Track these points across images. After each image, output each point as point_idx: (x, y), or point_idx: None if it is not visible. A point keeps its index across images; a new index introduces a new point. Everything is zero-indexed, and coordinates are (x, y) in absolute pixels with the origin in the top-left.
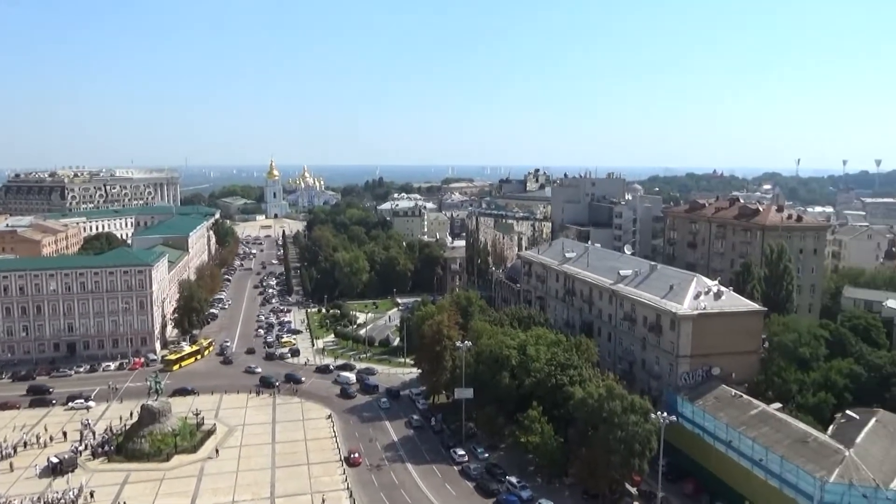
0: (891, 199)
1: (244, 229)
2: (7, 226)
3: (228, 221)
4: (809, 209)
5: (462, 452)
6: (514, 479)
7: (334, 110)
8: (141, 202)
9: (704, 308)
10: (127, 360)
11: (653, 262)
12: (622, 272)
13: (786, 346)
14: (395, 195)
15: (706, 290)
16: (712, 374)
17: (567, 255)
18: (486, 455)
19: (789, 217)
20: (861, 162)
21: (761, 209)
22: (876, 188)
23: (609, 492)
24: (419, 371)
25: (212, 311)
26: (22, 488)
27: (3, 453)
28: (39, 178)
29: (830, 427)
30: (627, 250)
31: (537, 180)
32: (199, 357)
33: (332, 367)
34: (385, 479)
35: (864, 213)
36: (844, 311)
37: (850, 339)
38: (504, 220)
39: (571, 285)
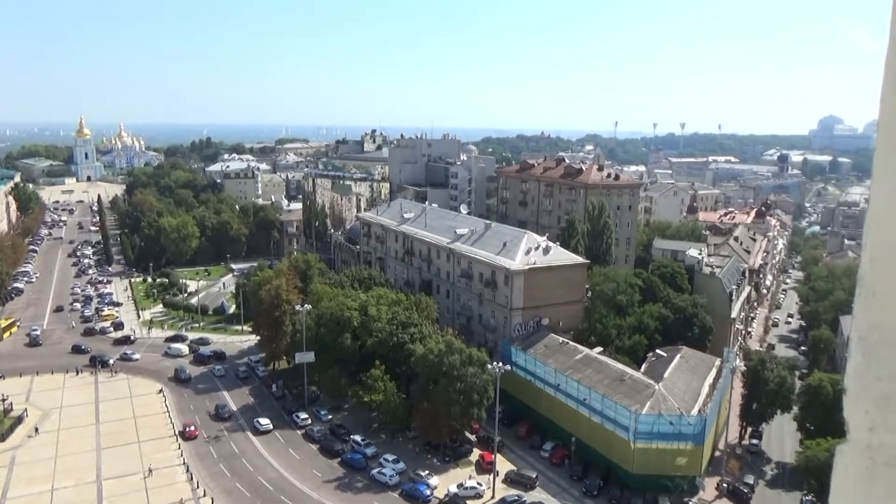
0: (692, 159)
1: (51, 194)
2: None
3: (31, 185)
4: (626, 168)
5: (305, 416)
6: (358, 438)
7: (155, 64)
8: None
9: (534, 263)
10: None
11: (487, 221)
12: (459, 231)
13: (606, 295)
14: (226, 156)
15: (536, 245)
16: (542, 324)
17: (405, 215)
18: (330, 417)
19: (608, 176)
20: (669, 125)
21: (584, 169)
22: (681, 149)
23: (450, 441)
24: (258, 338)
25: (16, 285)
26: None
27: None
28: None
29: (643, 365)
30: (463, 210)
31: (374, 141)
32: None
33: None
34: (225, 449)
35: (670, 172)
36: (655, 260)
37: (659, 285)
38: (342, 182)
39: (410, 245)
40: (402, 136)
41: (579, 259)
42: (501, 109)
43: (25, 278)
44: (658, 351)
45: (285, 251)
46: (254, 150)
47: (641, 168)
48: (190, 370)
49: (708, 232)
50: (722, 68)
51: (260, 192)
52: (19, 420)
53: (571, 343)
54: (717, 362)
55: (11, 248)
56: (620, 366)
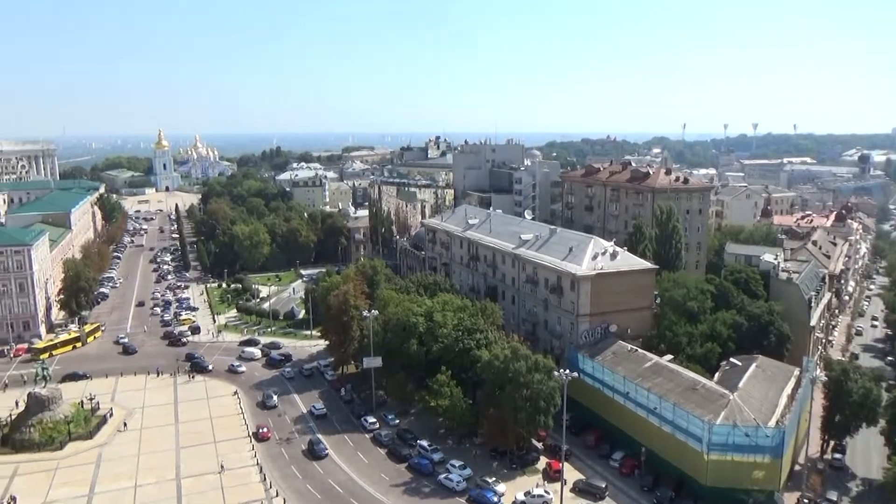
0: (766, 161)
1: (133, 203)
2: None
3: (115, 196)
4: (695, 171)
5: (373, 420)
6: (424, 443)
7: (226, 76)
8: (13, 176)
9: (601, 268)
10: (9, 347)
11: (552, 226)
12: (523, 236)
13: (676, 301)
14: (294, 165)
15: (602, 251)
16: (610, 330)
17: (470, 221)
18: (397, 421)
19: (677, 179)
20: (740, 126)
21: (651, 172)
22: (753, 150)
23: (516, 448)
24: (326, 342)
25: (101, 290)
26: None
27: None
28: None
29: (716, 374)
30: (528, 215)
31: (438, 147)
32: (77, 345)
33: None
34: (296, 451)
35: (742, 174)
36: (727, 266)
37: (732, 291)
38: (407, 188)
39: (475, 251)
40: (465, 142)
41: (647, 264)
42: (566, 113)
43: (110, 284)
44: (732, 360)
45: (352, 257)
46: (321, 159)
47: (712, 171)
48: (273, 393)
49: (784, 236)
50: (797, 65)
51: (327, 199)
52: (105, 419)
53: (640, 350)
54: (796, 372)
55: (98, 255)
56: (692, 374)
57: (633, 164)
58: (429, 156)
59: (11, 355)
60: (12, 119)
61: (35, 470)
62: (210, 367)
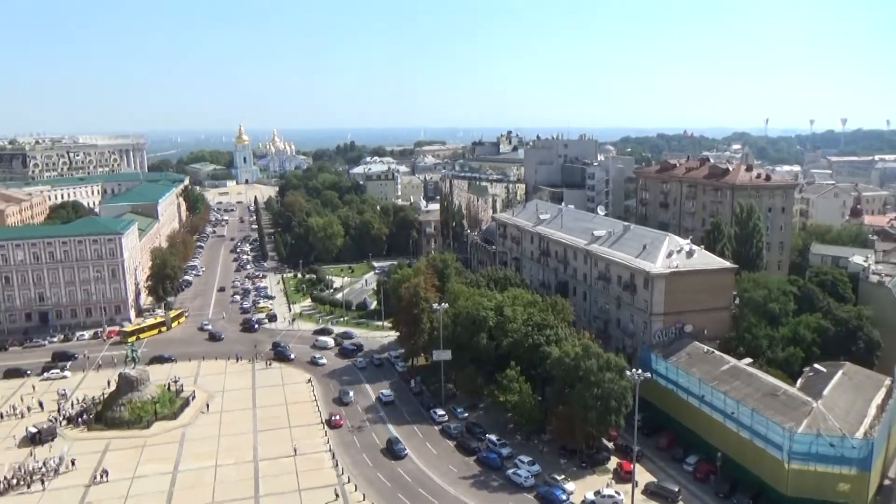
0: (855, 158)
1: (214, 195)
2: None
3: (198, 188)
4: (778, 168)
5: (442, 412)
6: (493, 437)
7: (304, 73)
8: (106, 169)
9: (677, 266)
10: (101, 329)
11: (626, 223)
12: (596, 232)
13: (756, 303)
14: (368, 159)
15: (678, 248)
16: (685, 331)
17: (541, 216)
18: (466, 415)
19: (758, 176)
20: (827, 121)
21: (731, 169)
22: (841, 147)
23: (586, 447)
24: (397, 334)
25: (185, 278)
26: (2, 458)
27: None
28: (0, 146)
29: (799, 380)
30: (601, 211)
31: (510, 142)
32: (163, 329)
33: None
34: (367, 439)
35: (830, 172)
36: (812, 267)
37: (817, 294)
38: (478, 183)
39: (546, 246)
40: (537, 137)
41: (726, 263)
42: (641, 108)
43: (194, 272)
44: (816, 366)
45: (423, 250)
46: (394, 153)
47: (796, 168)
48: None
49: (875, 237)
50: (889, 57)
51: (399, 193)
52: (188, 401)
53: (717, 352)
54: (888, 381)
55: (182, 244)
56: (773, 379)
57: (712, 161)
58: (500, 150)
59: (104, 337)
60: (106, 115)
61: (124, 446)
62: (293, 357)
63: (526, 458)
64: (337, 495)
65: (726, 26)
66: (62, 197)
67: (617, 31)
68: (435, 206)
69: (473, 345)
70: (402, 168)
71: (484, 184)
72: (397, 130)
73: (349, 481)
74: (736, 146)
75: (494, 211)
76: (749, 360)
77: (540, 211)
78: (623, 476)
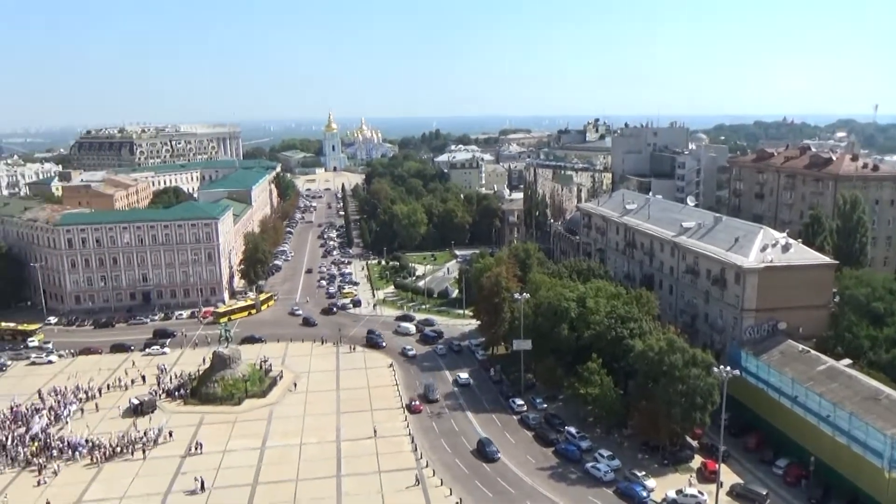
0: None
1: (304, 182)
2: (81, 181)
3: (289, 175)
4: (888, 157)
5: (521, 402)
6: (572, 430)
7: (392, 62)
8: (205, 156)
9: (771, 261)
10: (198, 309)
11: (717, 214)
12: (685, 224)
13: (858, 301)
14: (452, 147)
15: (773, 242)
16: (778, 328)
17: (628, 206)
18: (545, 405)
19: (865, 166)
20: None
21: (834, 158)
22: None
23: (669, 444)
24: (478, 322)
25: (275, 262)
26: (107, 427)
27: (90, 394)
28: (109, 134)
29: None
30: (690, 202)
31: (597, 130)
32: (252, 312)
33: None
34: (445, 426)
35: None
36: None
37: None
38: (563, 172)
39: (632, 237)
40: (626, 125)
41: (825, 259)
42: (736, 94)
43: (283, 256)
44: None
45: (506, 239)
46: (478, 141)
47: None
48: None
49: None
50: None
51: (483, 181)
52: (276, 380)
53: (813, 352)
54: None
55: (273, 229)
56: (875, 383)
57: (813, 149)
58: (587, 139)
59: (200, 318)
60: (205, 104)
61: (217, 421)
62: (384, 345)
63: (606, 452)
64: (417, 481)
65: (828, 6)
66: (165, 183)
67: (714, 14)
68: (518, 195)
69: (554, 336)
70: (487, 156)
71: (569, 173)
72: (482, 119)
73: (427, 465)
74: (841, 134)
75: (579, 200)
76: (848, 361)
77: (626, 201)
78: (707, 476)
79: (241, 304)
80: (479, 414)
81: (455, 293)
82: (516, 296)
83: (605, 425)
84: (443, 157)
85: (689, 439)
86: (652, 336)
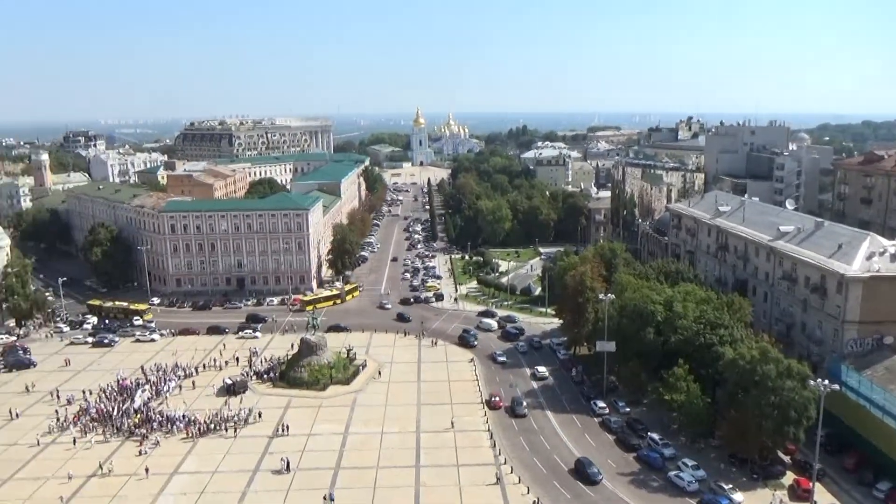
0: None
1: (392, 176)
2: (185, 170)
3: (377, 168)
4: None
5: (603, 405)
6: (655, 436)
7: (478, 57)
8: (298, 149)
9: (878, 270)
10: (287, 297)
11: (818, 219)
12: (783, 228)
13: None
14: (539, 143)
15: (881, 250)
16: (884, 342)
17: (721, 208)
18: (628, 409)
19: None
20: None
21: None
22: None
23: (759, 457)
24: (560, 321)
25: (362, 254)
26: (202, 404)
27: (187, 372)
28: (211, 126)
29: None
30: (789, 205)
31: (690, 128)
32: (337, 301)
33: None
34: (525, 424)
35: None
36: None
37: None
38: (653, 171)
39: (725, 240)
40: (721, 123)
41: None
42: (843, 92)
43: (369, 248)
44: None
45: (591, 238)
46: (566, 138)
47: None
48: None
49: None
50: None
51: (570, 178)
52: (359, 369)
53: None
54: None
55: (360, 221)
56: None
57: None
58: (679, 137)
59: (289, 305)
60: (299, 98)
61: (303, 405)
62: (475, 344)
63: (690, 462)
64: (497, 479)
65: None
66: (260, 174)
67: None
68: (606, 194)
69: (639, 338)
70: (574, 153)
71: (659, 172)
72: (570, 115)
73: (505, 462)
74: None
75: (669, 201)
76: None
77: (719, 202)
78: (800, 494)
79: (327, 293)
80: (559, 414)
81: (538, 291)
82: (601, 296)
83: (691, 434)
84: (529, 154)
85: (780, 454)
86: (743, 344)
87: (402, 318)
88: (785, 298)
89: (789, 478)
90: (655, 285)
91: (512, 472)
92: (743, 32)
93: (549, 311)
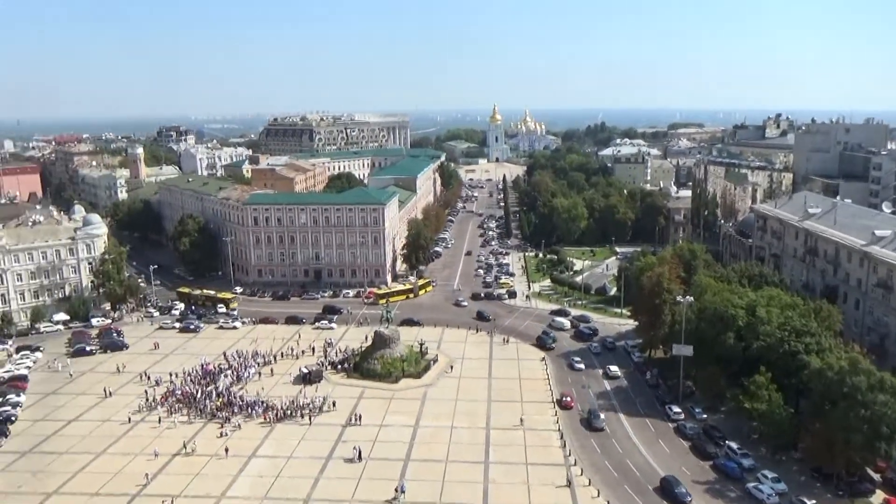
0: None
1: (467, 172)
2: (267, 164)
3: (452, 164)
4: None
5: (678, 410)
6: (734, 445)
7: (556, 53)
8: (375, 144)
9: None
10: (363, 289)
11: None
12: (878, 232)
13: None
14: (618, 140)
15: None
16: None
17: (810, 210)
18: (705, 416)
19: None
20: None
21: None
22: None
23: (846, 473)
24: (635, 323)
25: (436, 249)
26: (279, 391)
27: (266, 359)
28: (293, 121)
29: None
30: (886, 208)
31: (778, 126)
32: (410, 296)
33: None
34: (597, 425)
35: None
36: None
37: None
38: (737, 170)
39: (814, 244)
40: (812, 120)
41: None
42: None
43: (443, 244)
44: None
45: (670, 239)
46: (646, 135)
47: None
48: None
49: None
50: None
51: (649, 177)
52: (430, 363)
53: None
54: None
55: (435, 217)
56: None
57: None
58: (766, 135)
59: (364, 298)
60: (378, 94)
61: (375, 396)
62: (553, 347)
63: (770, 474)
64: (569, 482)
65: None
66: (339, 168)
67: None
68: (686, 193)
69: (719, 343)
70: (654, 151)
71: (744, 171)
72: (651, 112)
73: (575, 464)
74: None
75: (754, 201)
76: None
77: (809, 204)
78: None
79: (400, 287)
80: (633, 417)
81: (613, 291)
82: (679, 298)
83: (772, 445)
84: (607, 151)
85: (869, 471)
86: (832, 354)
87: (481, 317)
88: (879, 307)
89: (879, 496)
90: (737, 289)
91: (582, 474)
92: (841, 28)
93: (624, 311)
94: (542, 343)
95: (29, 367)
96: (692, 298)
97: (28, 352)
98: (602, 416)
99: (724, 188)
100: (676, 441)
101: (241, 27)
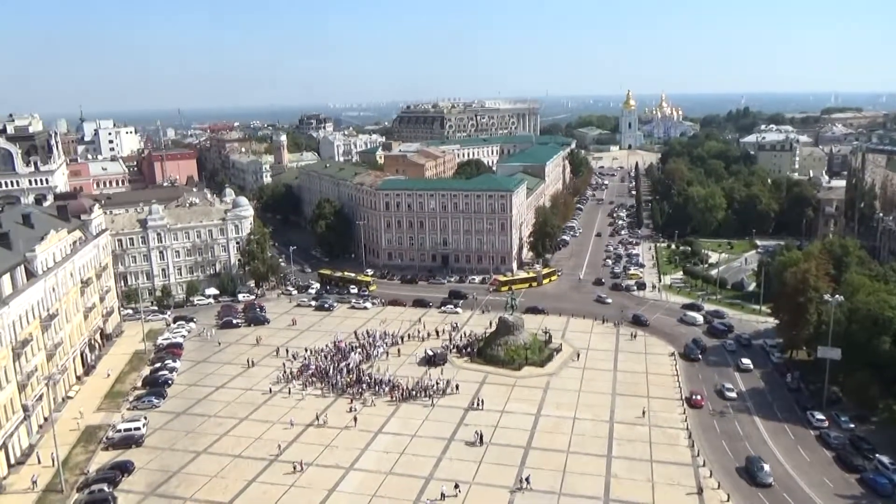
0: None
1: (598, 160)
2: (399, 151)
3: (583, 151)
4: None
5: (821, 417)
6: (885, 460)
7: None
8: (505, 131)
9: None
10: (488, 276)
11: None
12: None
13: None
14: (762, 127)
15: None
16: None
17: None
18: (852, 425)
19: None
20: None
21: None
22: None
23: None
24: (776, 321)
25: (563, 237)
26: (405, 371)
27: (394, 340)
28: (425, 109)
29: None
30: None
31: None
32: (534, 284)
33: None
34: (728, 427)
35: None
36: None
37: None
38: None
39: None
40: None
41: None
42: None
43: (571, 233)
44: None
45: (819, 233)
46: (794, 121)
47: None
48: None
49: None
50: None
51: (797, 166)
52: (553, 353)
53: None
54: None
55: (563, 205)
56: None
57: None
58: None
59: (489, 285)
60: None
61: (497, 382)
62: (699, 358)
63: None
64: (700, 490)
65: None
66: (468, 155)
67: None
68: (840, 183)
69: (871, 347)
70: (803, 138)
71: None
72: (800, 95)
73: (704, 465)
74: None
75: None
76: None
77: None
78: None
79: (523, 275)
80: (769, 421)
81: (752, 286)
82: (826, 297)
83: None
84: (750, 138)
85: None
86: None
87: (638, 321)
88: None
89: None
90: (895, 289)
91: (711, 476)
92: None
93: (763, 308)
94: (688, 353)
95: (184, 336)
96: (842, 297)
97: (184, 322)
98: (766, 467)
99: (885, 178)
100: (819, 450)
101: (377, 17)
